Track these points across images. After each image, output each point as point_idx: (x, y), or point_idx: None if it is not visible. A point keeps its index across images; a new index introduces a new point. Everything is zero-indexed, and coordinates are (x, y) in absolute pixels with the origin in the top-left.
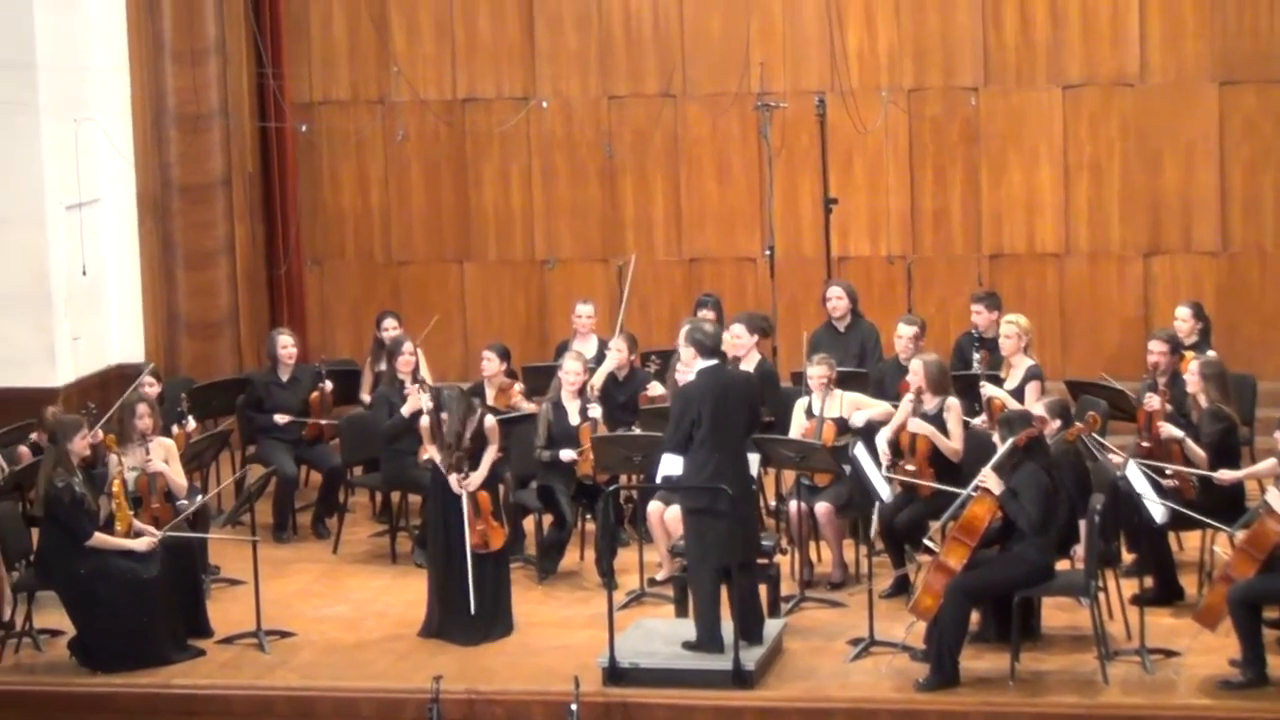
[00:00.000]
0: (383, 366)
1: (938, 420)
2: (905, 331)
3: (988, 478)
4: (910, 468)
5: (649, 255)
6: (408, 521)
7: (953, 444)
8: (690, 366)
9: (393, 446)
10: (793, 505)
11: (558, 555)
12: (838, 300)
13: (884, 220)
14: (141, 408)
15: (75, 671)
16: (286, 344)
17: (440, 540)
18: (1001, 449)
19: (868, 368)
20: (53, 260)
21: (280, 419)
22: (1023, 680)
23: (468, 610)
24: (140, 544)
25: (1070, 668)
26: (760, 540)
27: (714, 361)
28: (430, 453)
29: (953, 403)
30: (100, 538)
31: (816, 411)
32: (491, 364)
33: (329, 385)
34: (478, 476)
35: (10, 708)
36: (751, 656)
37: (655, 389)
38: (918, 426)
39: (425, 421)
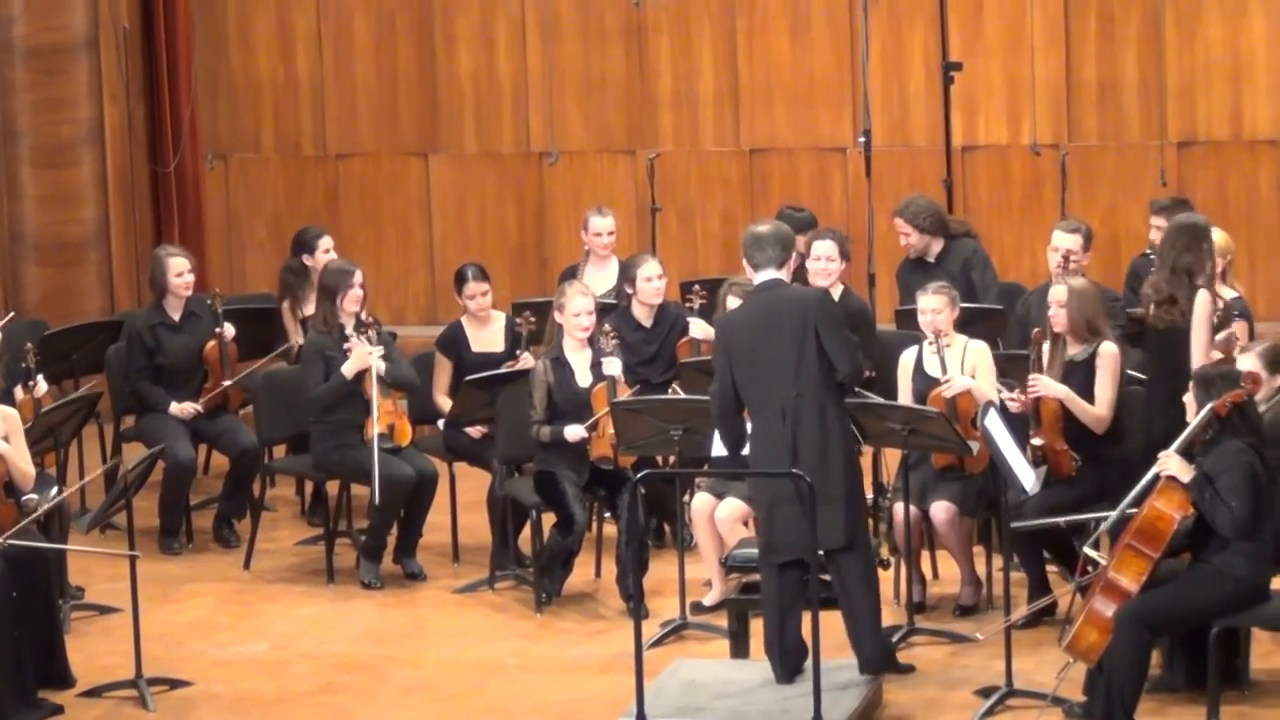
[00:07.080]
0: (310, 309)
1: (1086, 371)
2: (1064, 243)
3: (1170, 460)
4: (1038, 441)
5: (693, 145)
6: (351, 524)
7: (1094, 409)
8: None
9: (329, 418)
10: (898, 507)
11: (563, 571)
12: (903, 236)
13: (1028, 95)
14: None
15: None
16: (180, 268)
17: None
18: (1194, 420)
19: (985, 301)
20: None
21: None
22: None
23: None
24: None
25: None
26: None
27: (772, 275)
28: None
29: (1108, 349)
30: None
31: (933, 368)
32: (481, 297)
33: (230, 331)
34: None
35: None
36: (839, 711)
37: (698, 328)
38: (1046, 386)
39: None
